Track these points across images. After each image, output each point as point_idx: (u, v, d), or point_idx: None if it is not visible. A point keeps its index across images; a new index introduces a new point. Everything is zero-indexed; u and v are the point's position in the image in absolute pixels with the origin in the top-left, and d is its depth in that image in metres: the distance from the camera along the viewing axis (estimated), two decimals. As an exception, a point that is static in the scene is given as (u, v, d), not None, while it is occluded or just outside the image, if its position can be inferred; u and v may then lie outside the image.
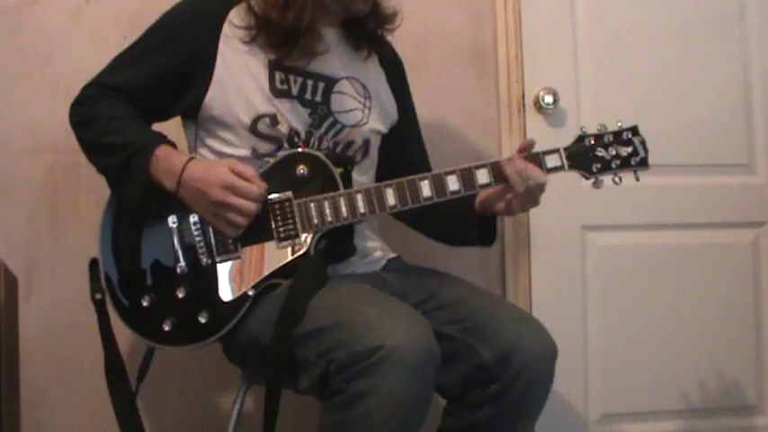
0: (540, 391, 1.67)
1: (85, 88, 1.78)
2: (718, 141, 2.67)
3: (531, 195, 1.73)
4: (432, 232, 2.05)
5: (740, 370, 2.66)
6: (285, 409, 1.59)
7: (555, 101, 2.52)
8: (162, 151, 1.67)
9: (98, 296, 1.71)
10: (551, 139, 2.43)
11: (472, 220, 1.85)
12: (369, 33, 1.90)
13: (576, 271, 2.58)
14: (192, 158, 1.68)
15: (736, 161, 2.70)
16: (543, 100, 2.51)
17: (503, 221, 2.51)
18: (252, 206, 1.63)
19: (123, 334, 2.00)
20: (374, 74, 1.96)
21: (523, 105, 2.54)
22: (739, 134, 2.70)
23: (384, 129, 1.94)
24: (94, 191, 2.21)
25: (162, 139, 1.71)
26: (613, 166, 1.78)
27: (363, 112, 1.88)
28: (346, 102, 1.85)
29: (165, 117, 1.84)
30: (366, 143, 1.88)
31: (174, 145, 1.72)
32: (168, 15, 1.79)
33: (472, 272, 2.46)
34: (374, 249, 1.92)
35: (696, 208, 2.65)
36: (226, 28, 1.76)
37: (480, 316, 1.70)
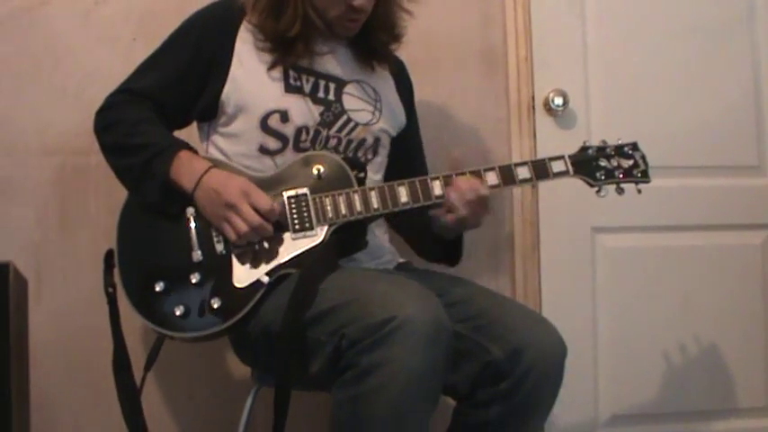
0: (550, 388, 1.67)
1: (110, 96, 1.85)
2: (728, 143, 2.67)
3: (473, 211, 1.76)
4: (416, 249, 2.12)
5: (750, 371, 2.65)
6: (296, 414, 1.59)
7: (565, 102, 2.51)
8: (185, 154, 1.75)
9: (110, 289, 1.75)
10: (561, 140, 2.47)
11: (436, 242, 1.93)
12: (375, 46, 1.95)
13: (586, 272, 2.58)
14: (215, 166, 1.74)
15: (746, 163, 2.69)
16: (553, 101, 2.51)
17: (511, 225, 2.52)
18: (258, 219, 1.66)
19: (134, 330, 2.02)
20: (384, 81, 2.01)
21: (533, 107, 2.54)
22: (749, 136, 2.69)
23: (393, 132, 1.99)
24: (104, 192, 2.22)
25: (185, 144, 1.78)
26: (617, 174, 1.87)
27: (374, 113, 1.92)
28: (357, 102, 1.91)
29: (185, 121, 1.92)
30: (377, 141, 1.92)
31: (195, 152, 1.79)
32: (188, 22, 1.88)
33: (483, 273, 2.46)
34: (385, 253, 1.94)
35: (706, 210, 2.65)
36: (242, 30, 1.85)
37: (490, 314, 1.71)
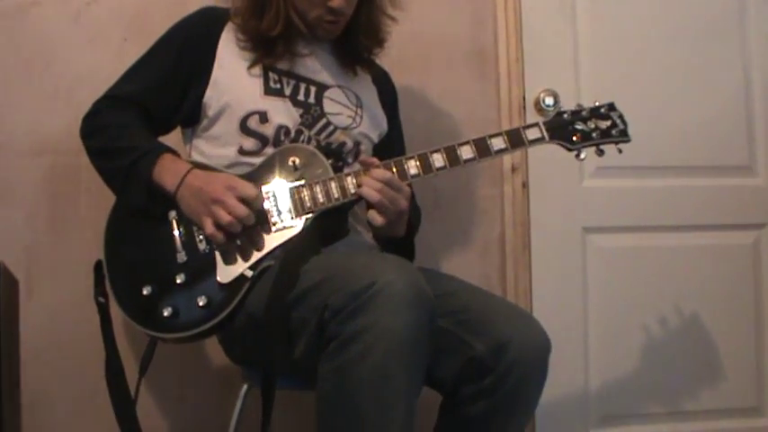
0: (534, 383, 1.67)
1: (96, 102, 1.87)
2: (719, 143, 2.67)
3: (391, 199, 1.73)
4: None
5: (741, 371, 2.66)
6: (290, 415, 1.59)
7: (555, 102, 2.52)
8: (169, 156, 1.76)
9: (101, 299, 1.75)
10: (552, 140, 2.46)
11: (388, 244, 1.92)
12: (358, 51, 1.97)
13: (577, 273, 2.58)
14: (197, 167, 1.76)
15: (737, 163, 2.70)
16: (544, 102, 2.52)
17: (502, 225, 2.52)
18: (244, 209, 1.66)
19: (125, 337, 2.01)
20: (366, 88, 2.03)
21: (524, 107, 2.54)
22: (740, 136, 2.70)
23: (374, 138, 2.00)
24: (95, 192, 2.21)
25: (170, 148, 1.80)
26: (594, 136, 1.85)
27: (354, 119, 1.94)
28: (337, 106, 1.92)
29: (170, 126, 1.94)
30: (357, 145, 1.94)
31: (179, 156, 1.81)
32: (172, 29, 1.92)
33: (474, 273, 2.45)
34: (371, 249, 1.94)
35: (697, 210, 2.65)
36: (224, 34, 1.88)
37: (473, 309, 1.71)
